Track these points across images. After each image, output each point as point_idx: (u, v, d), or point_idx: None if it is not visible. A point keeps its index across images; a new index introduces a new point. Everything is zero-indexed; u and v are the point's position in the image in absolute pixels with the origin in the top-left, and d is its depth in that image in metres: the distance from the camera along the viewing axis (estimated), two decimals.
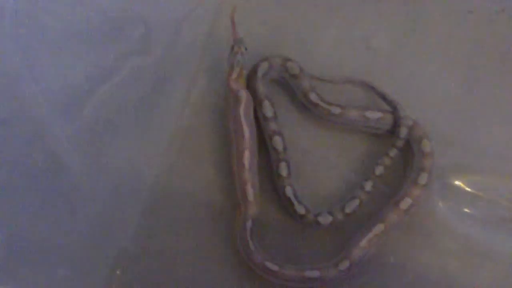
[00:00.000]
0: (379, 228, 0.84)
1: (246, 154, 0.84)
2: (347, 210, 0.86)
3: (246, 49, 0.87)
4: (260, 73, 0.90)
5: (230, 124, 0.86)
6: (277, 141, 0.88)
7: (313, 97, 0.89)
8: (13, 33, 0.66)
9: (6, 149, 0.66)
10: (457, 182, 0.89)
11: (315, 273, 0.82)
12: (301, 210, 0.85)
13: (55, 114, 0.67)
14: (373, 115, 0.89)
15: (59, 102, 0.67)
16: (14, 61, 0.65)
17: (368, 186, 0.87)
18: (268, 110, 0.88)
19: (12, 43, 0.65)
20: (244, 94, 0.85)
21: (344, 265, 0.82)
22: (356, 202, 0.86)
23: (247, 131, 0.85)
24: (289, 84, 0.92)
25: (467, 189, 0.89)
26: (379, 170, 0.88)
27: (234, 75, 0.85)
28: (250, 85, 0.90)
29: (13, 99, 0.62)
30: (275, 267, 0.81)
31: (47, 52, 0.69)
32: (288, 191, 0.86)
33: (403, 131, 0.87)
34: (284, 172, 0.87)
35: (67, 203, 0.76)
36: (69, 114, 0.70)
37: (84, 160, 0.73)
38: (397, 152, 0.88)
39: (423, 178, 0.85)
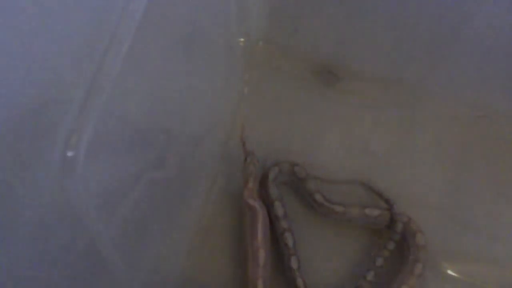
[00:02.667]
0: None
1: (261, 253, 0.88)
2: None
3: (258, 161, 0.93)
4: (271, 176, 0.95)
5: (246, 229, 0.90)
6: (288, 238, 0.92)
7: (318, 197, 0.94)
8: None
9: (49, 245, 0.66)
10: (449, 271, 0.93)
11: None
12: None
13: (96, 214, 0.66)
14: (372, 212, 0.94)
15: (99, 204, 0.67)
16: None
17: (370, 276, 0.91)
18: (279, 210, 0.93)
19: None
20: (260, 210, 0.90)
21: None
22: None
23: (262, 236, 0.89)
24: (297, 186, 0.97)
25: (459, 276, 0.93)
26: (379, 261, 0.92)
27: (250, 185, 0.91)
28: (262, 188, 0.95)
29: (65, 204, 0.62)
30: None
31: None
32: (299, 282, 0.89)
33: (399, 226, 0.92)
34: (295, 265, 0.90)
35: None
36: (106, 213, 0.71)
37: (121, 256, 0.75)
38: (395, 245, 0.92)
39: (418, 269, 0.89)
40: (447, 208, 0.98)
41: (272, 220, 0.94)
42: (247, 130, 0.95)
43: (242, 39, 1.06)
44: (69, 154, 0.56)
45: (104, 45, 0.62)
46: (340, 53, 1.07)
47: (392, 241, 0.93)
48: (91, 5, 0.63)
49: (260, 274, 0.88)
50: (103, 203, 0.69)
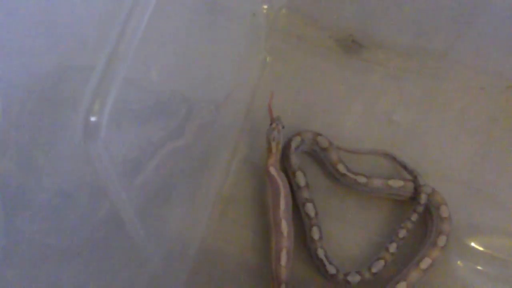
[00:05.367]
0: (401, 286, 0.87)
1: (284, 224, 0.87)
2: (374, 270, 0.89)
3: (283, 127, 0.91)
4: (293, 146, 0.94)
5: (268, 200, 0.90)
6: (309, 208, 0.92)
7: (341, 168, 0.93)
8: None
9: (69, 213, 0.67)
10: (473, 244, 0.92)
11: None
12: (332, 270, 0.89)
13: (118, 181, 0.65)
14: (396, 183, 0.93)
15: (121, 171, 0.66)
16: None
17: (393, 248, 0.90)
18: (301, 180, 0.93)
19: None
20: (281, 182, 0.89)
21: None
22: (382, 262, 0.89)
23: (284, 208, 0.88)
24: (319, 156, 0.96)
25: (483, 249, 0.92)
26: (402, 233, 0.91)
27: (273, 150, 0.90)
28: (284, 157, 0.94)
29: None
30: None
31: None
32: (320, 253, 0.90)
33: (423, 198, 0.91)
34: (316, 235, 0.90)
35: (127, 262, 0.79)
36: (128, 180, 0.71)
37: (143, 224, 0.74)
38: (418, 217, 0.91)
39: (441, 241, 0.88)
40: (472, 180, 0.96)
41: (294, 190, 0.93)
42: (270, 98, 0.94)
43: (265, 6, 1.04)
44: (92, 119, 0.55)
45: (126, 12, 0.61)
46: (364, 21, 1.04)
47: (415, 212, 0.92)
48: None
49: (285, 244, 0.87)
50: (125, 170, 0.69)
